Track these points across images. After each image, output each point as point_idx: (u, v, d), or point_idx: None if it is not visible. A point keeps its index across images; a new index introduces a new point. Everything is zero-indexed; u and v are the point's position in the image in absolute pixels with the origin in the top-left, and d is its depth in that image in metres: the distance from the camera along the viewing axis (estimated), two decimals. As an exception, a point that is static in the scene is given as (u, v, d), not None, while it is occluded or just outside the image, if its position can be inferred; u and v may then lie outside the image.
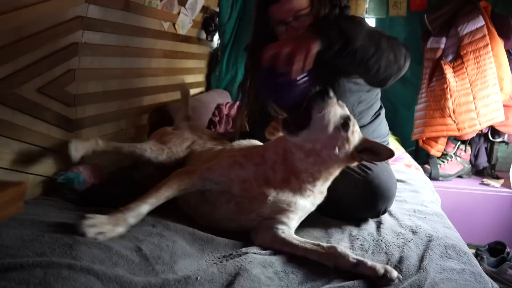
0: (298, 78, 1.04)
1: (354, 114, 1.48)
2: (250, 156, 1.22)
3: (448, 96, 2.38)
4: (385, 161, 1.54)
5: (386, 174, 1.41)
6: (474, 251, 2.19)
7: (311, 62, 1.05)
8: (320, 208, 1.42)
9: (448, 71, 2.40)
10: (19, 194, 1.13)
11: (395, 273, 0.96)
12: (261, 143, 1.39)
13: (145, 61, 2.21)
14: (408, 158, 2.36)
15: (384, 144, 1.62)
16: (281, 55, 1.02)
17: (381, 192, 1.34)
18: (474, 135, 2.54)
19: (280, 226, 1.17)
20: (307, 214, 1.26)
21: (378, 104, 1.66)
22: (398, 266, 1.04)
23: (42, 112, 1.45)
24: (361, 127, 1.53)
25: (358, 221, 1.39)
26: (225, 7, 3.09)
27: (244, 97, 1.60)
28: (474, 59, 2.36)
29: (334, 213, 1.40)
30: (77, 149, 1.42)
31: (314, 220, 1.34)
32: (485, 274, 1.03)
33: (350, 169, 1.37)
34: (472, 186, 2.54)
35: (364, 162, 1.38)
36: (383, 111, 1.67)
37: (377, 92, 1.61)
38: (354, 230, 1.30)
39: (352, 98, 1.49)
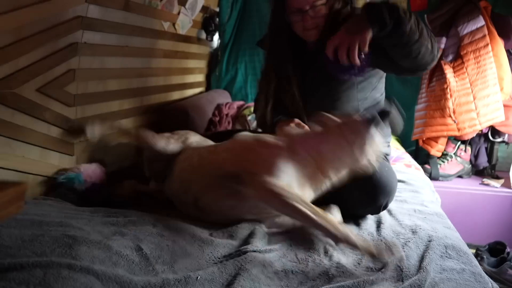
0: (359, 62, 1.21)
1: (359, 111, 1.51)
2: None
3: (448, 96, 2.38)
4: (385, 158, 1.55)
5: (387, 169, 1.41)
6: (474, 251, 2.19)
7: (366, 48, 1.18)
8: (319, 205, 1.44)
9: (448, 71, 2.40)
10: (19, 194, 1.13)
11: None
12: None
13: (145, 61, 2.21)
14: (408, 158, 2.36)
15: (385, 145, 1.63)
16: (341, 48, 1.18)
17: (382, 186, 1.35)
18: (474, 135, 2.54)
19: None
20: None
21: (382, 104, 1.67)
22: (398, 266, 1.04)
23: (42, 112, 1.45)
24: None
25: (358, 218, 1.39)
26: (225, 7, 3.09)
27: (265, 91, 1.60)
28: (474, 59, 2.36)
29: None
30: (95, 130, 1.49)
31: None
32: (485, 274, 1.03)
33: None
34: (472, 186, 2.54)
35: None
36: None
37: (382, 92, 1.61)
38: (354, 230, 1.30)
39: (360, 94, 1.51)
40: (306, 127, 1.40)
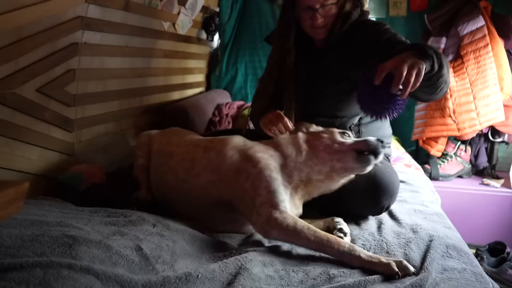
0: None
1: (360, 113, 1.51)
2: None
3: (448, 96, 2.38)
4: (386, 159, 1.55)
5: (389, 170, 1.42)
6: (474, 251, 2.19)
7: (421, 80, 1.06)
8: (321, 207, 1.43)
9: (448, 71, 2.40)
10: (19, 194, 1.13)
11: (410, 268, 0.99)
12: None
13: (145, 61, 2.21)
14: (408, 158, 2.36)
15: (386, 146, 1.63)
16: (399, 74, 1.04)
17: (385, 186, 1.34)
18: (474, 135, 2.54)
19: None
20: None
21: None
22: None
23: (42, 112, 1.45)
24: (366, 123, 1.55)
25: (360, 219, 1.39)
26: (225, 7, 3.09)
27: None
28: (474, 59, 2.36)
29: (337, 211, 1.41)
30: None
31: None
32: (486, 274, 1.03)
33: None
34: (472, 186, 2.53)
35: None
36: None
37: None
38: (355, 230, 1.30)
39: None
40: (287, 121, 1.39)
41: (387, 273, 0.98)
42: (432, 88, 1.23)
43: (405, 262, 1.01)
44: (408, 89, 1.05)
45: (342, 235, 1.22)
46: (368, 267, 1.01)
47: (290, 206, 1.23)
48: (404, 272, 0.98)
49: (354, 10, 1.48)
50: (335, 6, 1.43)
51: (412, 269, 0.99)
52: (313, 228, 1.10)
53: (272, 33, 1.69)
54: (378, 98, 1.12)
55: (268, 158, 1.25)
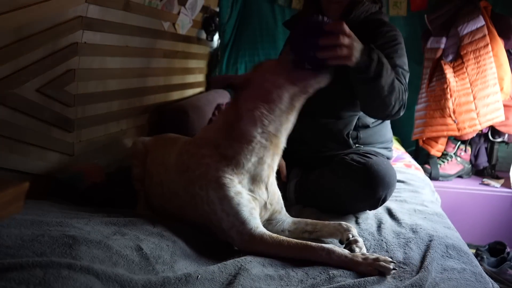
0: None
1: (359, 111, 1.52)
2: None
3: (448, 96, 2.38)
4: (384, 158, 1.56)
5: (385, 162, 1.41)
6: (474, 251, 2.19)
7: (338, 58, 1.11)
8: (319, 202, 1.43)
9: (448, 71, 2.40)
10: (19, 194, 1.13)
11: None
12: None
13: (145, 61, 2.21)
14: (408, 158, 2.36)
15: (388, 150, 1.63)
16: (333, 37, 1.08)
17: (381, 177, 1.34)
18: (474, 135, 2.54)
19: None
20: None
21: None
22: (399, 265, 1.04)
23: (42, 112, 1.45)
24: (365, 127, 1.55)
25: (358, 216, 1.39)
26: (225, 7, 3.09)
27: None
28: (474, 59, 2.36)
29: (333, 206, 1.41)
30: None
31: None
32: (485, 274, 1.03)
33: (350, 158, 1.41)
34: (472, 186, 2.54)
35: (364, 153, 1.45)
36: None
37: None
38: (355, 230, 1.30)
39: None
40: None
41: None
42: (368, 97, 1.33)
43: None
44: (328, 53, 1.08)
45: (357, 249, 1.10)
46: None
47: (258, 199, 1.16)
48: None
49: (372, 2, 1.53)
50: None
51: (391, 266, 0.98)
52: (287, 238, 1.08)
53: (291, 18, 1.71)
54: (307, 43, 1.12)
55: (207, 169, 1.14)
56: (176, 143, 1.34)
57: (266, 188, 1.19)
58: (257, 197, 1.17)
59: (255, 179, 1.17)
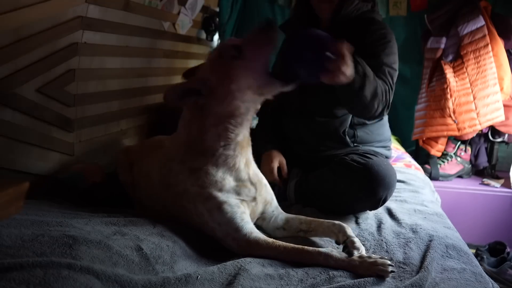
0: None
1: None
2: None
3: (448, 96, 2.38)
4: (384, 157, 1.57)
5: (386, 163, 1.42)
6: (474, 251, 2.19)
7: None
8: (319, 202, 1.43)
9: (448, 71, 2.40)
10: (19, 194, 1.13)
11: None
12: None
13: (145, 61, 2.21)
14: (408, 158, 2.36)
15: (386, 149, 1.63)
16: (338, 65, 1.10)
17: (382, 177, 1.34)
18: (474, 135, 2.54)
19: None
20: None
21: None
22: (399, 265, 1.04)
23: (42, 112, 1.45)
24: (361, 125, 1.55)
25: (358, 216, 1.39)
26: (225, 7, 3.08)
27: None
28: (474, 59, 2.36)
29: (333, 206, 1.41)
30: None
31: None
32: (485, 274, 1.03)
33: (350, 158, 1.41)
34: (472, 186, 2.53)
35: (363, 153, 1.44)
36: (386, 116, 1.67)
37: None
38: (355, 230, 1.30)
39: None
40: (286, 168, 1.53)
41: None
42: (351, 104, 1.39)
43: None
44: (329, 78, 1.10)
45: (355, 251, 1.06)
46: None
47: (246, 199, 1.16)
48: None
49: (364, 1, 1.52)
50: None
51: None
52: (283, 243, 1.08)
53: (286, 22, 1.71)
54: (304, 59, 1.11)
55: (184, 185, 1.13)
56: (159, 151, 1.32)
57: (251, 183, 1.18)
58: (244, 197, 1.16)
59: (237, 180, 1.15)
